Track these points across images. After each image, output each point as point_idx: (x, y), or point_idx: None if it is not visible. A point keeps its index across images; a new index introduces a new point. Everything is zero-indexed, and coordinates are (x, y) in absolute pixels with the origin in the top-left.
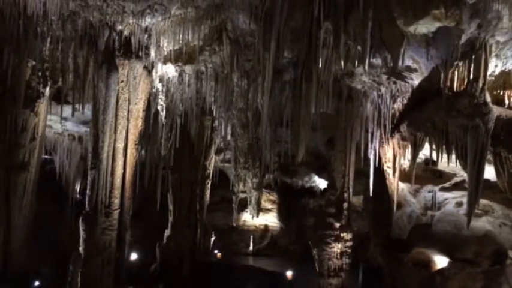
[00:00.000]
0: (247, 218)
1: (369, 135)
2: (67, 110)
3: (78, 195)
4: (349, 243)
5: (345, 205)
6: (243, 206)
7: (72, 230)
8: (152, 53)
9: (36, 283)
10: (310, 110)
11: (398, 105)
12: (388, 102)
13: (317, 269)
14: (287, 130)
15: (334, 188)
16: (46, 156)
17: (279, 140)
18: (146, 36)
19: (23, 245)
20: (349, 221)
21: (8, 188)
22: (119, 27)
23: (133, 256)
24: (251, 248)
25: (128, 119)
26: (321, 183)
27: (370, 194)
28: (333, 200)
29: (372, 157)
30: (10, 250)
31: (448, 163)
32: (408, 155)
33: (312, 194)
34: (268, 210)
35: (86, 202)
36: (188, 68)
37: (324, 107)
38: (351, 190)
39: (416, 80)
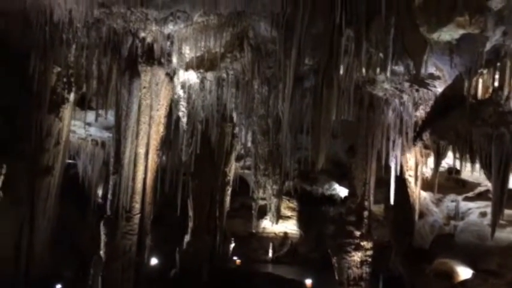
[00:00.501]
0: (267, 225)
1: (391, 143)
2: (91, 116)
3: (100, 200)
4: (369, 252)
5: (366, 213)
6: (262, 212)
7: (94, 233)
8: (174, 59)
9: (58, 286)
10: (330, 117)
11: (420, 113)
12: (410, 110)
13: (337, 278)
14: (307, 137)
15: (354, 196)
16: (70, 161)
17: (299, 147)
18: (168, 43)
19: (46, 248)
20: (369, 229)
21: (32, 192)
22: (142, 34)
23: (153, 261)
24: (270, 255)
25: (149, 125)
26: (342, 191)
27: (391, 203)
28: (354, 208)
29: (393, 165)
30: (33, 253)
31: (472, 172)
32: (430, 163)
33: (332, 202)
34: (288, 217)
35: (108, 206)
36: (209, 75)
37: (344, 115)
38: (371, 198)
39: (439, 88)
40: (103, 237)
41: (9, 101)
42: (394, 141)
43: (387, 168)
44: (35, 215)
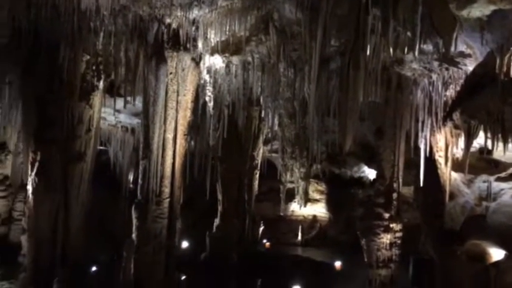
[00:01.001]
0: (296, 208)
1: (420, 124)
2: (120, 103)
3: (131, 185)
4: (398, 234)
5: (394, 195)
6: (291, 196)
7: (126, 218)
8: (200, 44)
9: (93, 269)
10: (357, 99)
11: (450, 93)
12: (439, 90)
13: (366, 260)
14: (334, 120)
15: (383, 178)
16: (101, 147)
17: (327, 130)
18: (194, 28)
19: (81, 232)
20: (398, 211)
21: (66, 178)
22: (168, 20)
23: (184, 244)
24: (299, 238)
25: (177, 110)
26: (371, 174)
27: (421, 184)
28: (382, 190)
29: (422, 146)
30: (69, 237)
31: (504, 152)
32: (461, 143)
33: (361, 184)
34: (317, 200)
35: (138, 191)
36: (235, 59)
37: (372, 96)
38: (400, 180)
39: (470, 66)
40: (134, 221)
41: (41, 90)
42: (423, 122)
43: (416, 149)
44: (69, 200)
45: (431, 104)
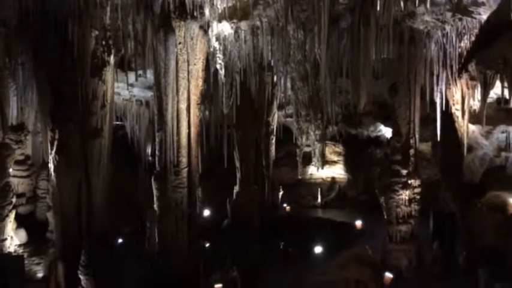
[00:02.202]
0: (313, 171)
1: (435, 77)
2: (132, 77)
3: (149, 157)
4: (417, 190)
5: (412, 152)
6: (308, 159)
7: (147, 189)
8: (207, 12)
9: (119, 241)
10: (370, 56)
11: (465, 44)
12: (453, 41)
13: (385, 217)
14: (347, 79)
15: (399, 134)
16: (117, 123)
17: (340, 91)
18: None
19: (104, 205)
20: (416, 167)
21: (85, 154)
22: None
23: (206, 213)
24: (319, 200)
25: (188, 80)
26: (387, 132)
27: (439, 139)
28: (399, 147)
29: (438, 100)
30: (92, 211)
31: None
32: (478, 95)
33: (379, 143)
34: (335, 162)
35: (157, 162)
36: (243, 24)
37: (384, 53)
38: (417, 136)
39: (484, 15)
40: (155, 192)
41: (54, 69)
42: (438, 76)
43: (432, 104)
44: (90, 176)
45: (446, 57)
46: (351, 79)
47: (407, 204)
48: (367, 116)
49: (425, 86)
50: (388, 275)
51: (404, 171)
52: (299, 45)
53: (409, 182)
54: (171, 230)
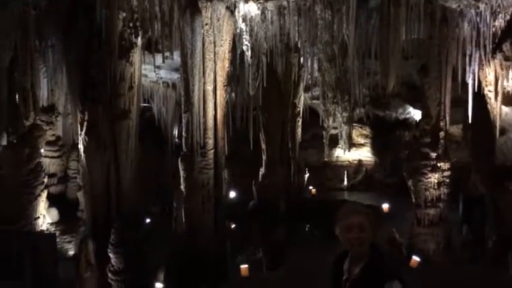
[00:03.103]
0: (340, 153)
1: (467, 58)
2: (159, 59)
3: (176, 139)
4: (447, 173)
5: (441, 134)
6: (334, 141)
7: (174, 170)
8: None
9: (147, 221)
10: (399, 37)
11: (499, 23)
12: (488, 20)
13: (413, 200)
14: (376, 61)
15: (429, 117)
16: (145, 104)
17: (368, 72)
18: None
19: (132, 186)
20: (446, 150)
21: (113, 135)
22: None
23: (232, 194)
24: (345, 183)
25: (215, 61)
26: (416, 115)
27: (470, 122)
28: (428, 130)
29: (470, 82)
30: (121, 191)
31: None
32: None
33: (407, 126)
34: (362, 145)
35: (183, 144)
36: (270, 5)
37: (415, 33)
38: (447, 118)
39: None
40: (182, 173)
41: (82, 51)
42: (470, 56)
43: (464, 85)
44: (119, 157)
45: (479, 36)
46: (379, 60)
47: (436, 187)
48: (396, 98)
49: (457, 66)
50: (416, 258)
51: (433, 154)
52: (326, 26)
53: (439, 165)
54: (197, 211)
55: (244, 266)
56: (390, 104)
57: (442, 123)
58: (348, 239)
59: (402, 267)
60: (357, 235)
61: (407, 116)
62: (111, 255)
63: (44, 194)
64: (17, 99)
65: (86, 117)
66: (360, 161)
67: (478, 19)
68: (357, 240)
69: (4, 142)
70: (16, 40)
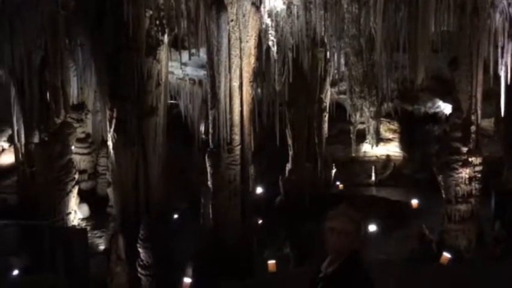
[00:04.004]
0: (367, 148)
1: (499, 49)
2: (185, 56)
3: (203, 135)
4: (478, 168)
5: (473, 128)
6: (362, 136)
7: (201, 167)
8: None
9: (175, 216)
10: (429, 29)
11: None
12: None
13: (444, 196)
14: (404, 54)
15: (459, 110)
16: (172, 101)
17: (396, 66)
18: None
19: (160, 182)
20: (477, 144)
21: (141, 132)
22: None
23: (258, 190)
24: (373, 178)
25: (240, 58)
26: (446, 109)
27: (502, 115)
28: (459, 124)
29: (503, 74)
30: (149, 187)
31: None
32: None
33: (437, 120)
34: (389, 140)
35: (210, 140)
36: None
37: (444, 25)
38: (479, 112)
39: None
40: (209, 169)
41: (110, 49)
42: (502, 48)
43: (496, 78)
44: (147, 153)
45: None
46: (408, 53)
47: (467, 182)
48: (425, 92)
49: (489, 59)
50: (446, 254)
51: (464, 149)
52: (353, 19)
53: (470, 159)
54: (224, 206)
55: (271, 262)
56: (419, 98)
57: (473, 117)
58: (329, 240)
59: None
60: (336, 239)
61: (437, 110)
62: (140, 250)
63: (75, 190)
64: (48, 98)
65: (115, 115)
66: (388, 156)
67: (511, 9)
68: (336, 244)
69: (36, 140)
70: (46, 40)
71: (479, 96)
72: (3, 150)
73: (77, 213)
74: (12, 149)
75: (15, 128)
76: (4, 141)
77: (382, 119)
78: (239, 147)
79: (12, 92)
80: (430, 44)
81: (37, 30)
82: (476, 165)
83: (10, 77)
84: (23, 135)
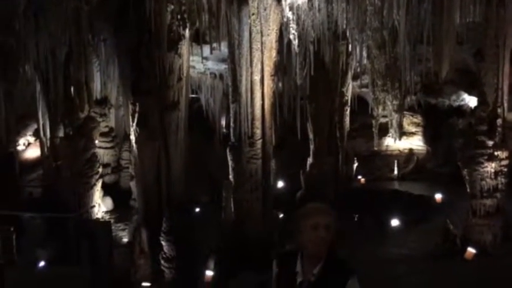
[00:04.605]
0: (390, 142)
1: None
2: (206, 50)
3: (224, 129)
4: (504, 162)
5: (499, 121)
6: (384, 130)
7: (222, 160)
8: None
9: (197, 209)
10: (453, 20)
11: None
12: None
13: (468, 191)
14: (428, 46)
15: (485, 103)
16: (193, 95)
17: (420, 58)
18: None
19: (182, 176)
20: (504, 138)
21: (163, 126)
22: None
23: (279, 184)
24: (395, 172)
25: (262, 51)
26: (471, 102)
27: None
28: (485, 117)
29: None
30: (171, 180)
31: None
32: None
33: (461, 113)
34: (413, 133)
35: (231, 134)
36: None
37: (470, 16)
38: (505, 105)
39: None
40: (230, 163)
41: (133, 44)
42: None
43: None
44: (169, 147)
45: None
46: (432, 46)
47: (493, 177)
48: (449, 85)
49: None
50: (471, 250)
51: (490, 142)
52: (376, 11)
53: (496, 153)
54: (246, 200)
55: None
56: (443, 91)
57: (499, 110)
58: (315, 237)
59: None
60: (323, 234)
61: (462, 103)
62: (163, 243)
63: (99, 184)
64: (72, 93)
65: (137, 109)
66: (411, 150)
67: None
68: (323, 240)
69: (61, 134)
70: (70, 35)
71: (505, 88)
72: (29, 144)
73: (100, 206)
74: (37, 143)
75: (41, 123)
76: (30, 135)
77: (405, 112)
78: (260, 141)
79: (38, 87)
80: (455, 36)
81: (61, 26)
82: (503, 159)
83: (35, 72)
84: (48, 130)
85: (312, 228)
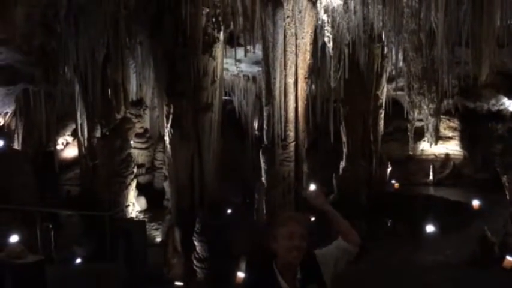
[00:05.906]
0: (425, 147)
1: None
2: (240, 52)
3: (256, 131)
4: None
5: None
6: (419, 134)
7: (255, 163)
8: None
9: (229, 211)
10: (494, 22)
11: None
12: None
13: (508, 197)
14: (467, 49)
15: None
16: (226, 98)
17: (458, 61)
18: None
19: (214, 177)
20: None
21: (197, 127)
22: None
23: (312, 187)
24: (431, 177)
25: (296, 54)
26: (511, 106)
27: None
28: None
29: None
30: (204, 182)
31: None
32: None
33: (501, 118)
34: (449, 138)
35: (264, 136)
36: None
37: (511, 18)
38: None
39: None
40: (263, 165)
41: (169, 47)
42: None
43: None
44: (202, 149)
45: None
46: (472, 49)
47: None
48: (488, 88)
49: None
50: (510, 258)
51: None
52: (413, 14)
53: None
54: (278, 203)
55: None
56: (482, 95)
57: None
58: (293, 247)
59: None
60: (299, 243)
61: (501, 107)
62: (196, 243)
63: (134, 183)
64: (109, 94)
65: (172, 110)
66: (447, 154)
67: None
68: (300, 248)
69: (98, 134)
70: (109, 38)
71: None
72: (67, 143)
73: (135, 205)
74: (75, 143)
75: (79, 123)
76: (68, 135)
77: (441, 116)
78: (293, 143)
79: (76, 88)
80: (495, 38)
81: (100, 30)
82: None
83: (74, 74)
84: (85, 130)
85: (289, 237)
